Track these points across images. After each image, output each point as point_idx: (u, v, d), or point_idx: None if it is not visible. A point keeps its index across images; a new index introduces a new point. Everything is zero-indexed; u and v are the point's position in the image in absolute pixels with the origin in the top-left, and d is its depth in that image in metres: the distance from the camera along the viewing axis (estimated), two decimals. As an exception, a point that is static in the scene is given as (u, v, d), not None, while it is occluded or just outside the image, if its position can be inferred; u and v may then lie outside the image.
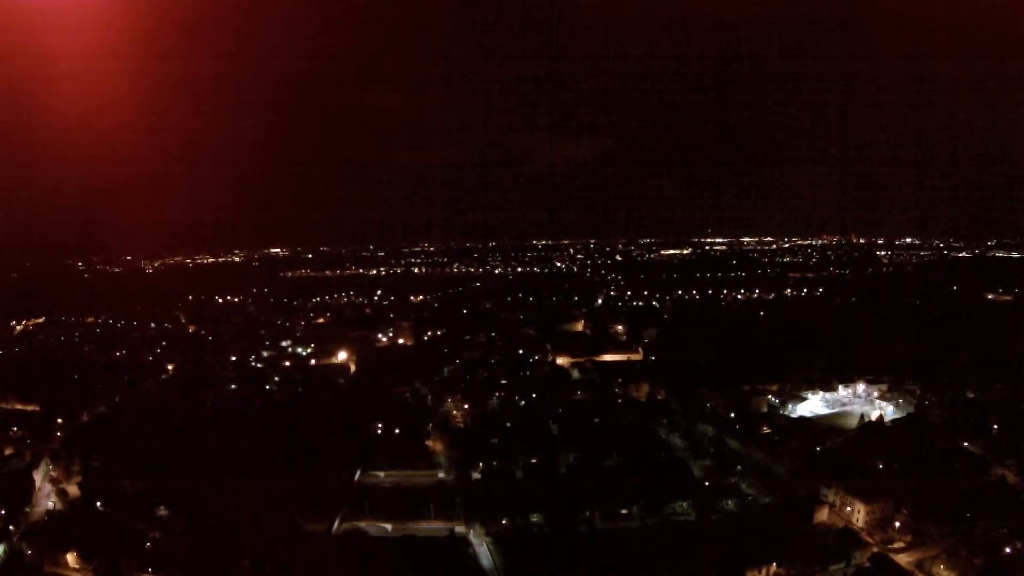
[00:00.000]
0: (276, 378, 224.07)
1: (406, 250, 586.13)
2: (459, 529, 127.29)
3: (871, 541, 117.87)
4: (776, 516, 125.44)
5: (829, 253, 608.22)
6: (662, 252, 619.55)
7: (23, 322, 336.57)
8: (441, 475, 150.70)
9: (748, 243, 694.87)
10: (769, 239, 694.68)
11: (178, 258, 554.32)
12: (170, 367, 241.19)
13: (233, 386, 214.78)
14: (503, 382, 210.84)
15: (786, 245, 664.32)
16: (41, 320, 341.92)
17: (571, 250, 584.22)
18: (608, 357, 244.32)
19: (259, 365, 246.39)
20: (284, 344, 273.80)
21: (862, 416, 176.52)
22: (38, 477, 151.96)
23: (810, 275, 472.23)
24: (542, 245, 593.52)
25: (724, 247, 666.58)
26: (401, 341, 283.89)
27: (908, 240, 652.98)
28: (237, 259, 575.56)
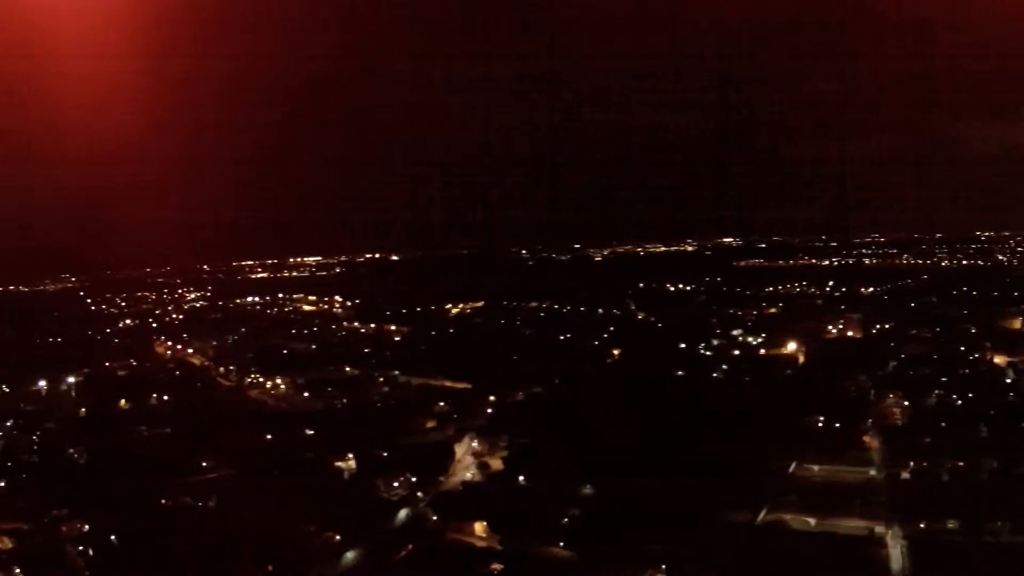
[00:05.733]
0: (724, 366, 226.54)
1: (856, 240, 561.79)
2: (878, 529, 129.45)
3: None
4: None
5: None
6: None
7: (459, 305, 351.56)
8: (872, 472, 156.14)
9: None
10: None
11: (627, 247, 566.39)
12: (616, 352, 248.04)
13: (679, 372, 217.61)
14: (943, 379, 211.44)
15: None
16: (479, 304, 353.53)
17: (1011, 242, 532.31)
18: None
19: (707, 353, 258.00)
20: (734, 333, 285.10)
21: None
22: (459, 450, 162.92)
23: None
24: (984, 237, 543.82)
25: None
26: (850, 333, 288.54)
27: None
28: (689, 248, 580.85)
